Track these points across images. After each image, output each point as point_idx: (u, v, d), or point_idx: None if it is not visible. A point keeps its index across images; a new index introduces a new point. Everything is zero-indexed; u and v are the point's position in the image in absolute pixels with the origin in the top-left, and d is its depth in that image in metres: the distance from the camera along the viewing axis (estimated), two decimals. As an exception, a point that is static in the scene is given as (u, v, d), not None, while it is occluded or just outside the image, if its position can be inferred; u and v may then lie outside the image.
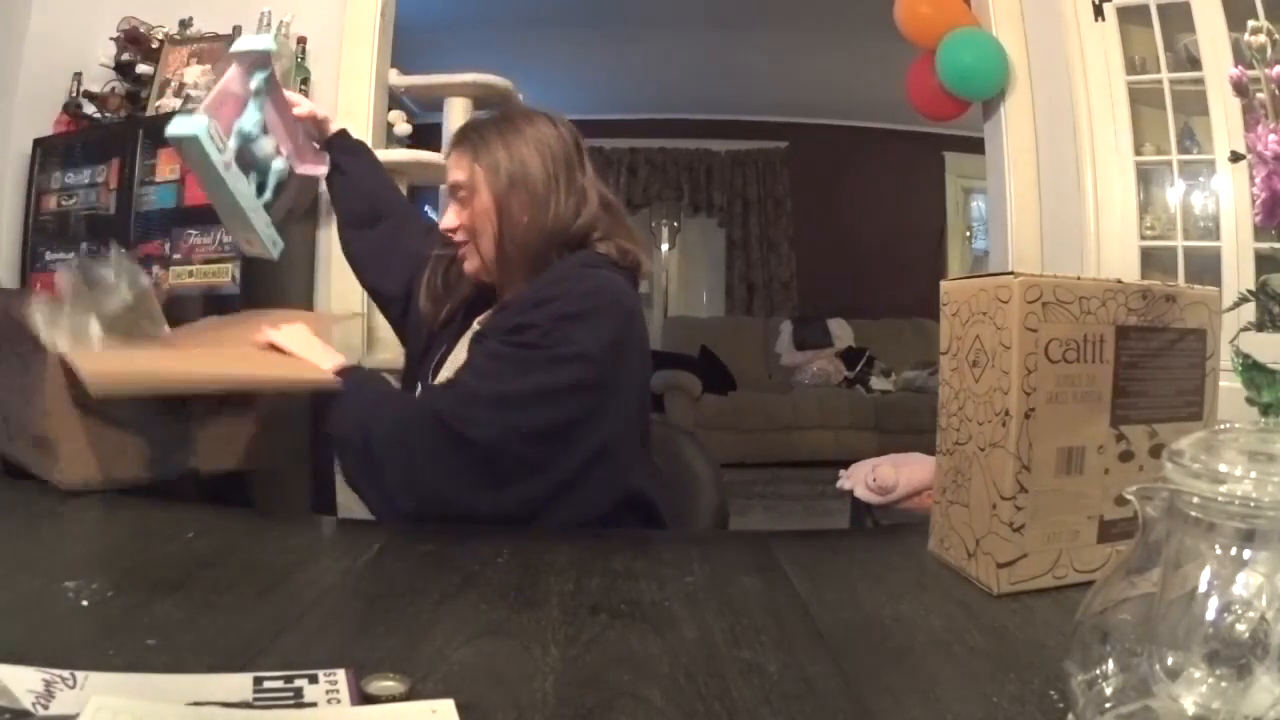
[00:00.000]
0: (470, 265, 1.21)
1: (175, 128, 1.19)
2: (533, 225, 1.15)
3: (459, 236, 1.20)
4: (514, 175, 1.15)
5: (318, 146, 1.42)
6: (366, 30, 2.71)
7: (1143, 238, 2.43)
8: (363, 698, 0.52)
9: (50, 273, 2.70)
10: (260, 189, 1.30)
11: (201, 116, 1.19)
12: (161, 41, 2.77)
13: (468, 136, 1.20)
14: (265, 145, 1.31)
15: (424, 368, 1.27)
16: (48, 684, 0.49)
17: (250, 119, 1.27)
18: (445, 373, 1.21)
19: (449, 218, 1.20)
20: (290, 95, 1.37)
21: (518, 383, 1.02)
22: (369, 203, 1.42)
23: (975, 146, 3.02)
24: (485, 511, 1.01)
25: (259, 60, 1.28)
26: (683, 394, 5.25)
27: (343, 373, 1.09)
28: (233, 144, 1.25)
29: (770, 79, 5.61)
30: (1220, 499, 0.41)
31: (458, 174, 1.18)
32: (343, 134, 1.42)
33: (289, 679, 0.53)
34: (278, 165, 1.32)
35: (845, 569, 0.86)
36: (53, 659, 0.52)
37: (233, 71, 1.26)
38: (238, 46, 1.29)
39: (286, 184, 1.37)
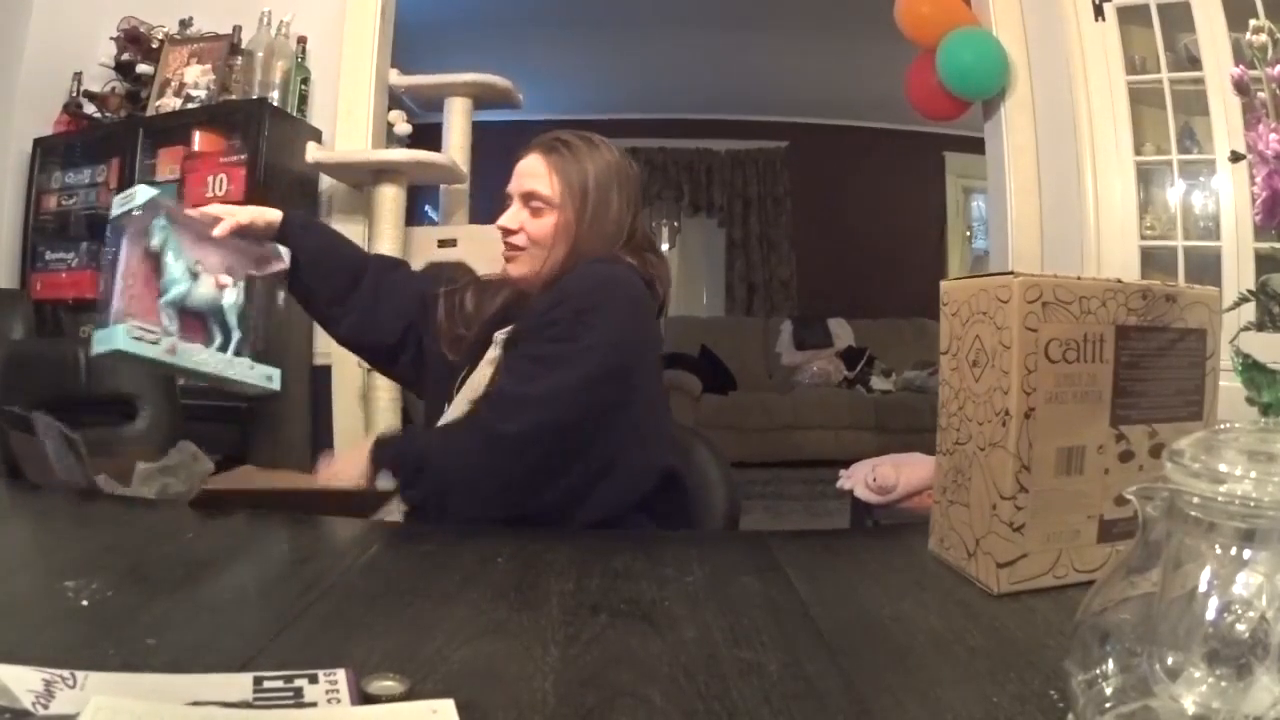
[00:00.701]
0: (520, 269, 1.22)
1: (97, 345, 1.09)
2: (597, 253, 1.19)
3: (518, 240, 1.21)
4: (598, 207, 1.19)
5: (265, 242, 1.26)
6: (366, 30, 2.71)
7: (1143, 238, 2.42)
8: (363, 698, 0.52)
9: (50, 272, 2.71)
10: (226, 333, 1.17)
11: (117, 327, 1.07)
12: (161, 41, 2.77)
13: (557, 149, 1.21)
14: (203, 289, 1.15)
15: (446, 391, 1.25)
16: (48, 684, 0.49)
17: (171, 277, 1.12)
18: (467, 393, 1.21)
19: (513, 218, 1.21)
20: (202, 213, 1.20)
21: (550, 379, 1.07)
22: (342, 271, 1.31)
23: (975, 146, 3.02)
24: (536, 507, 1.06)
25: (144, 216, 1.12)
26: (683, 394, 5.25)
27: (379, 449, 1.10)
28: (167, 320, 1.12)
29: (770, 79, 5.60)
30: (1220, 499, 0.41)
31: (539, 184, 1.19)
32: (287, 220, 1.27)
33: (289, 679, 0.53)
34: (229, 299, 1.17)
35: (845, 569, 0.86)
36: (53, 659, 0.52)
37: (124, 245, 1.10)
38: (115, 211, 1.13)
39: (254, 298, 1.22)
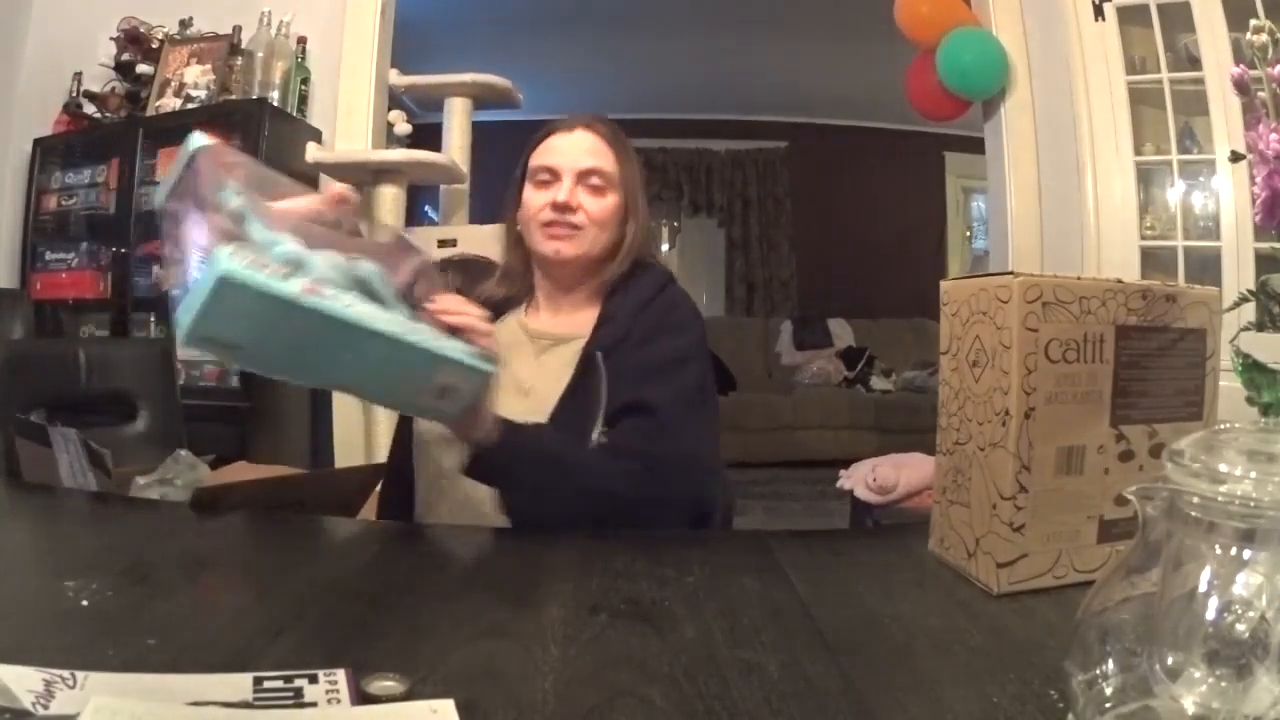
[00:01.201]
0: (576, 249, 1.15)
1: (184, 313, 0.70)
2: (637, 241, 1.19)
3: (577, 219, 1.15)
4: (641, 192, 1.20)
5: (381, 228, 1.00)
6: (366, 30, 2.71)
7: (1143, 238, 2.42)
8: (363, 698, 0.52)
9: (50, 272, 2.71)
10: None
11: (217, 252, 0.70)
12: (161, 41, 2.77)
13: (607, 126, 1.19)
14: (327, 257, 0.78)
15: None
16: (48, 684, 0.49)
17: (268, 240, 0.76)
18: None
19: (569, 195, 1.13)
20: (294, 202, 0.83)
21: (703, 430, 1.12)
22: None
23: (975, 146, 3.02)
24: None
25: (203, 175, 0.77)
26: (683, 394, 5.24)
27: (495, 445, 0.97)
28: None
29: (770, 79, 5.60)
30: (1220, 499, 0.41)
31: (601, 160, 1.16)
32: None
33: (289, 679, 0.53)
34: (368, 268, 0.81)
35: (845, 569, 0.86)
36: (53, 659, 0.52)
37: (189, 214, 0.76)
38: (166, 189, 0.81)
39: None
